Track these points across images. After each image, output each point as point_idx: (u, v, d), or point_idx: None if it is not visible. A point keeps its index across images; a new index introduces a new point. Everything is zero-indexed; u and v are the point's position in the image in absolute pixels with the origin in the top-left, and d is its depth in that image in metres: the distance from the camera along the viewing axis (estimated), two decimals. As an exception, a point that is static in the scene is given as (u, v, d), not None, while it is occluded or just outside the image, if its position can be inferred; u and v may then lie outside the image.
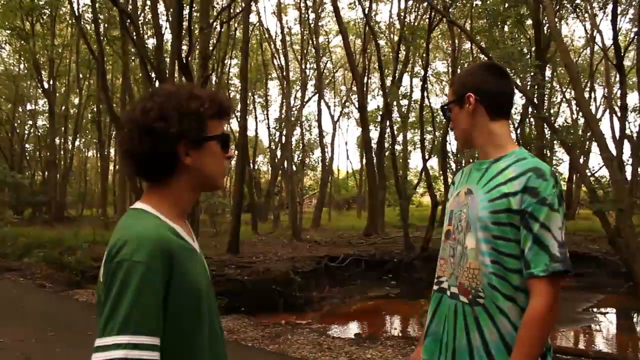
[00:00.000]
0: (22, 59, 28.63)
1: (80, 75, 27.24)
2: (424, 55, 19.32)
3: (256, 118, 33.01)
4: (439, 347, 1.84)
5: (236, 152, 13.67)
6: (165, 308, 1.22)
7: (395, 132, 22.72)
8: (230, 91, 27.99)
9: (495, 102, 1.84)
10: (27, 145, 33.72)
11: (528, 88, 11.34)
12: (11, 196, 23.60)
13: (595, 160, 61.55)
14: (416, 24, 20.54)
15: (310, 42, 25.33)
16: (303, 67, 27.40)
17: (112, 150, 29.36)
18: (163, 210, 1.36)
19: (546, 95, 15.95)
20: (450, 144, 28.49)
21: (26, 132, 33.62)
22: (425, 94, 19.58)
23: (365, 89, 24.06)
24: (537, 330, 1.61)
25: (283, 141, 26.80)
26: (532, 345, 1.61)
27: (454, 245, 1.82)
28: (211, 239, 17.19)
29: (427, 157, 18.82)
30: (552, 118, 15.87)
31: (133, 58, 19.92)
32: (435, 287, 1.91)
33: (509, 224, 1.67)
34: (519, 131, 17.51)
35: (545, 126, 12.72)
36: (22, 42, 23.64)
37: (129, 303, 1.15)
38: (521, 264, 1.66)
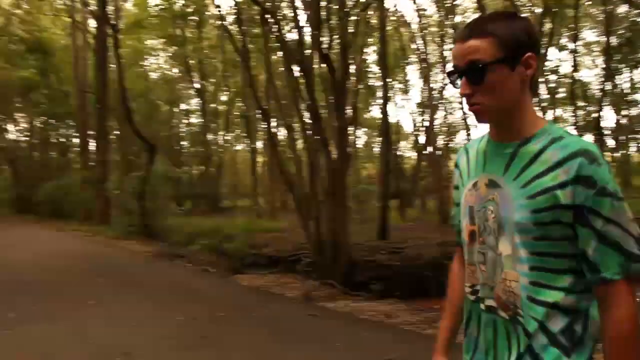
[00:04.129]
0: (176, 63, 30.99)
1: (227, 74, 28.82)
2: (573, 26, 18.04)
3: (396, 104, 32.84)
4: None
5: (380, 138, 13.73)
6: None
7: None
8: (369, 78, 28.07)
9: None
10: (183, 143, 36.42)
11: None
12: (173, 190, 25.73)
13: None
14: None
15: (447, 22, 24.67)
16: (442, 48, 26.78)
17: (258, 143, 30.76)
18: None
19: None
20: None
21: (182, 130, 36.32)
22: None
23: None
24: (632, 351, 1.27)
25: (426, 125, 26.45)
26: None
27: (484, 249, 1.45)
28: (359, 225, 17.47)
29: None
30: None
31: (275, 53, 20.65)
32: (471, 297, 1.52)
33: (555, 222, 1.31)
34: None
35: None
36: (176, 47, 25.54)
37: None
38: (573, 264, 1.33)
